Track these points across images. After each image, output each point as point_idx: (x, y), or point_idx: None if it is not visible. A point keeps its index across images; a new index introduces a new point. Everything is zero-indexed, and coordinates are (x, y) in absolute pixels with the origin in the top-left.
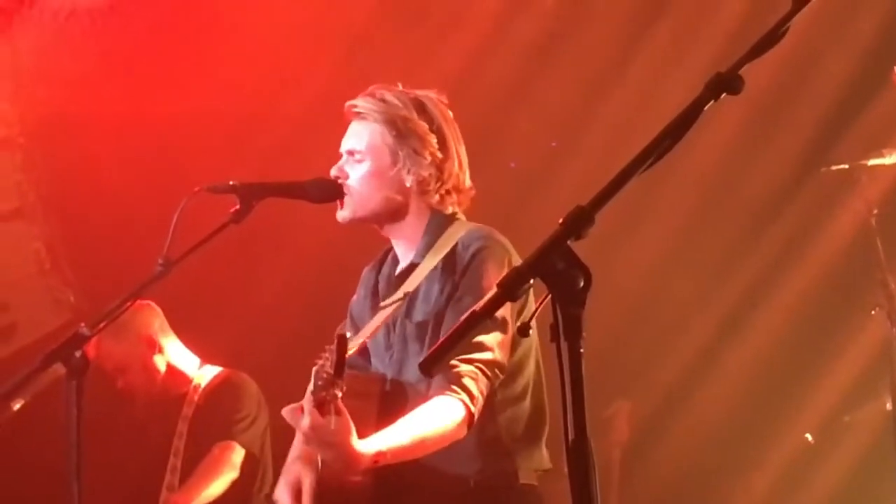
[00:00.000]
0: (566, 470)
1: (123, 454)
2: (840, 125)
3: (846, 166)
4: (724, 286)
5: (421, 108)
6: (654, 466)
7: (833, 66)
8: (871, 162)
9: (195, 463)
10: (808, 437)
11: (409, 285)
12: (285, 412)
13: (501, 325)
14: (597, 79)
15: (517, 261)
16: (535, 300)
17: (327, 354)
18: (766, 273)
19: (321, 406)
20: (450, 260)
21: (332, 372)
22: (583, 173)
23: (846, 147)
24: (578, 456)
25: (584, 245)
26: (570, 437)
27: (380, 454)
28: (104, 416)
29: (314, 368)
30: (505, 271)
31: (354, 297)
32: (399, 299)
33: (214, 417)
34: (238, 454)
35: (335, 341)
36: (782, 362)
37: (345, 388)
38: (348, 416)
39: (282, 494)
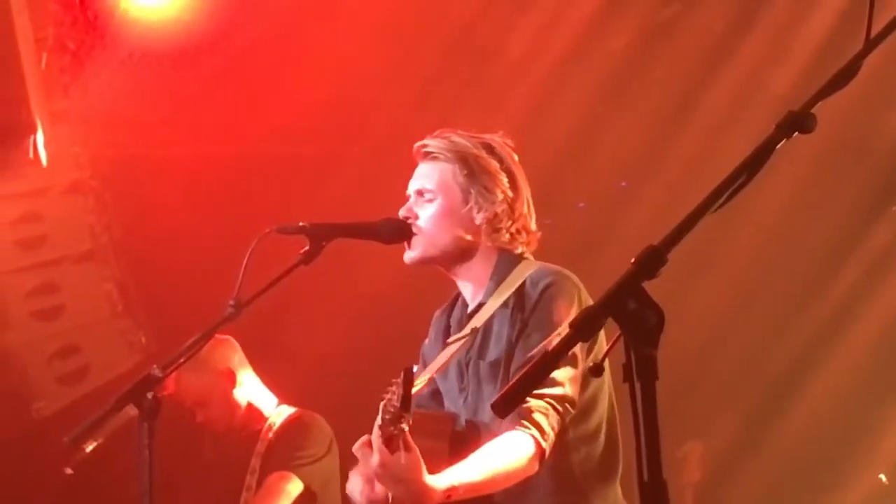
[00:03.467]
0: None
1: (195, 492)
2: None
3: None
4: (796, 325)
5: (489, 148)
6: None
7: None
8: None
9: None
10: (883, 477)
11: (477, 321)
12: (356, 449)
13: (572, 361)
14: (666, 118)
15: (586, 297)
16: (606, 338)
17: (394, 388)
18: (840, 311)
19: (389, 442)
20: (519, 297)
21: (398, 405)
22: (653, 213)
23: None
24: (654, 498)
25: (656, 285)
26: (645, 480)
27: (452, 489)
28: (176, 456)
29: (381, 403)
30: (575, 307)
31: (426, 340)
32: (466, 335)
33: (279, 453)
34: (294, 485)
35: (402, 375)
36: (856, 402)
37: (411, 422)
38: (418, 452)
39: (353, 482)
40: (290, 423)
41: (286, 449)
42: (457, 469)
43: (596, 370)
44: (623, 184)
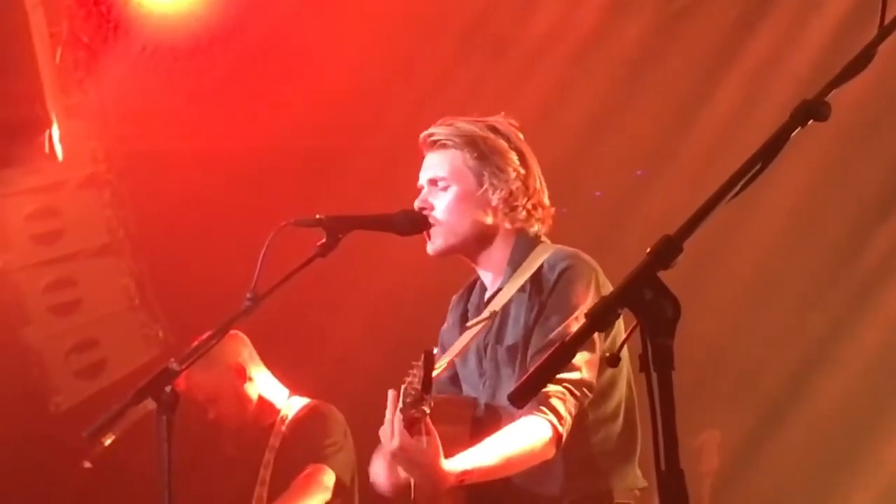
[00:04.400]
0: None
1: (212, 486)
2: None
3: None
4: (813, 317)
5: (495, 130)
6: (745, 496)
7: None
8: None
9: (281, 491)
10: None
11: (495, 305)
12: (382, 431)
13: (589, 345)
14: (682, 107)
15: (604, 280)
16: (624, 326)
17: (415, 371)
18: (856, 304)
19: (411, 426)
20: (536, 281)
21: (419, 388)
22: (668, 202)
23: None
24: (671, 487)
25: (673, 275)
26: (663, 469)
27: (465, 473)
28: (193, 450)
29: (402, 386)
30: (592, 289)
31: (444, 325)
32: (485, 319)
33: (302, 444)
34: (329, 476)
35: (422, 358)
36: (873, 391)
37: (432, 404)
38: (437, 437)
39: (377, 465)
40: (306, 415)
41: (310, 440)
42: (472, 453)
43: (613, 361)
44: (638, 172)
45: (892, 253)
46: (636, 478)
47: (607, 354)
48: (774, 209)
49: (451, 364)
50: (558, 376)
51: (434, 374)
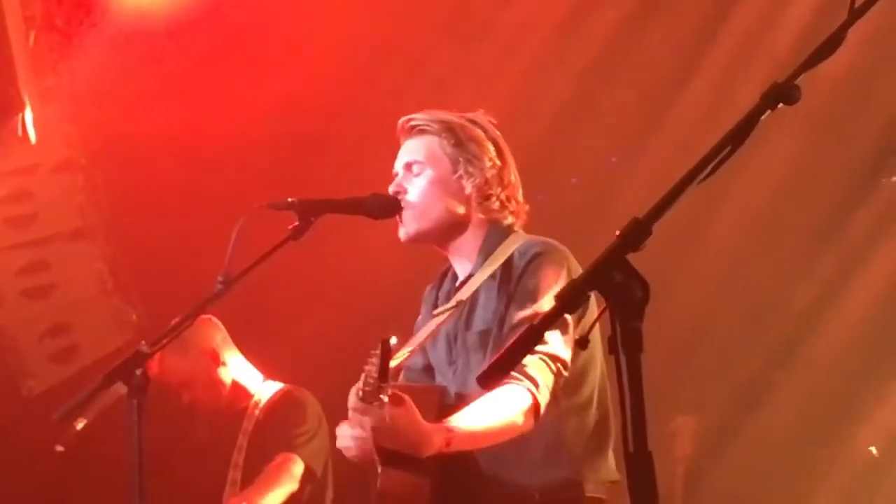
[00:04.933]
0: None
1: (185, 470)
2: None
3: None
4: (787, 300)
5: (473, 122)
6: (719, 482)
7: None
8: None
9: (255, 476)
10: (873, 450)
11: (463, 294)
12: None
13: (563, 326)
14: (658, 93)
15: (576, 267)
16: (597, 309)
17: (373, 360)
18: (830, 286)
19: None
20: (507, 268)
21: (376, 377)
22: (644, 188)
23: None
24: (639, 469)
25: (649, 260)
26: (630, 450)
27: (450, 436)
28: (167, 433)
29: (362, 375)
30: (564, 276)
31: (419, 317)
32: (452, 307)
33: (275, 430)
34: (298, 466)
35: (379, 346)
36: (846, 375)
37: (390, 393)
38: (410, 402)
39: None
40: (279, 400)
41: (282, 427)
42: (455, 417)
43: (582, 343)
44: (614, 159)
45: (869, 235)
46: (608, 470)
47: (577, 336)
48: (751, 193)
49: (425, 353)
50: (535, 349)
51: (393, 363)
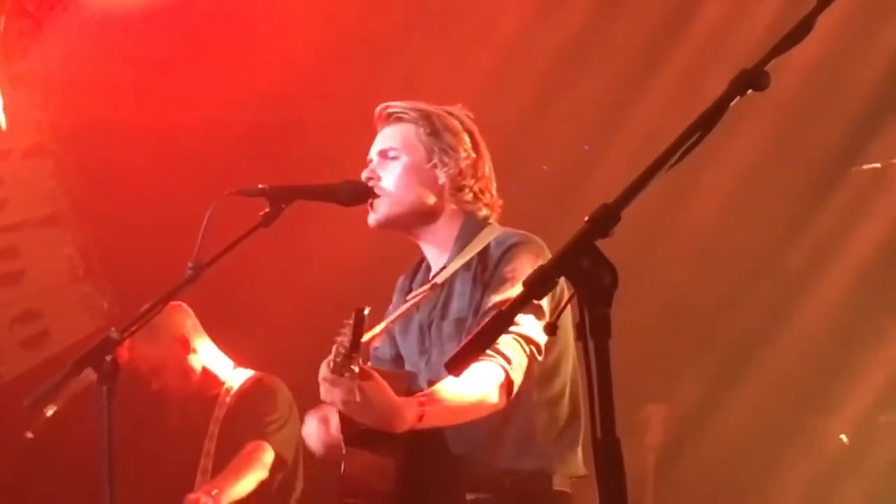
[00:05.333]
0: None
1: (156, 457)
2: (872, 125)
3: (878, 165)
4: (756, 288)
5: (450, 113)
6: (689, 470)
7: (865, 65)
8: None
9: (226, 463)
10: (843, 437)
11: (439, 279)
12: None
13: (537, 311)
14: (629, 81)
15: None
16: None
17: (345, 330)
18: (798, 274)
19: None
20: (483, 258)
21: (348, 346)
22: (616, 176)
23: (878, 146)
24: (607, 456)
25: (619, 247)
26: (598, 437)
27: (423, 411)
28: (137, 420)
29: (334, 346)
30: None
31: (391, 306)
32: (426, 290)
33: (246, 418)
34: (269, 454)
35: (352, 316)
36: (816, 363)
37: (361, 362)
38: (379, 377)
39: (310, 424)
40: (251, 387)
41: (253, 415)
42: (427, 392)
43: (550, 328)
44: (586, 147)
45: (840, 225)
46: (577, 465)
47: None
48: (720, 182)
49: (395, 343)
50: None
51: (366, 337)
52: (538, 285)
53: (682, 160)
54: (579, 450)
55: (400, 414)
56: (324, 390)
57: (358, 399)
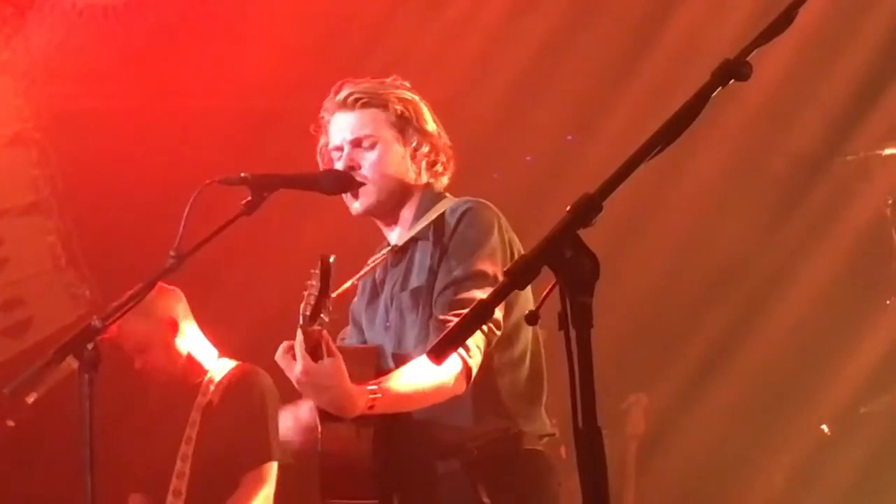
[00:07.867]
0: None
1: (137, 443)
2: (855, 116)
3: (861, 156)
4: (739, 278)
5: (403, 87)
6: (671, 459)
7: (848, 56)
8: (886, 152)
9: (208, 452)
10: (825, 428)
11: (399, 243)
12: (279, 358)
13: (494, 283)
14: (611, 71)
15: (506, 224)
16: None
17: (312, 281)
18: (781, 264)
19: (314, 352)
20: (438, 226)
21: (317, 295)
22: (599, 166)
23: (861, 137)
24: (588, 445)
25: (601, 237)
26: (580, 426)
27: (375, 399)
28: (118, 405)
29: (301, 303)
30: (495, 231)
31: (355, 299)
32: (385, 253)
33: (230, 411)
34: (274, 469)
35: (318, 265)
36: (798, 354)
37: (331, 309)
38: (341, 359)
39: (285, 418)
40: (236, 384)
41: (237, 409)
42: (381, 380)
43: (531, 318)
44: (569, 137)
45: (823, 215)
46: (543, 423)
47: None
48: (704, 172)
49: (363, 333)
50: (463, 311)
51: (335, 294)
52: (521, 275)
53: (664, 151)
54: (543, 410)
55: (351, 400)
56: (286, 364)
57: (308, 382)
